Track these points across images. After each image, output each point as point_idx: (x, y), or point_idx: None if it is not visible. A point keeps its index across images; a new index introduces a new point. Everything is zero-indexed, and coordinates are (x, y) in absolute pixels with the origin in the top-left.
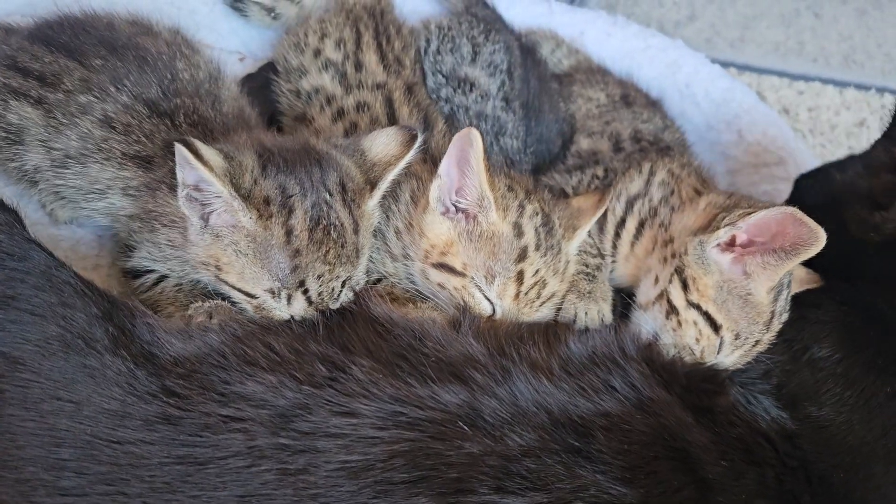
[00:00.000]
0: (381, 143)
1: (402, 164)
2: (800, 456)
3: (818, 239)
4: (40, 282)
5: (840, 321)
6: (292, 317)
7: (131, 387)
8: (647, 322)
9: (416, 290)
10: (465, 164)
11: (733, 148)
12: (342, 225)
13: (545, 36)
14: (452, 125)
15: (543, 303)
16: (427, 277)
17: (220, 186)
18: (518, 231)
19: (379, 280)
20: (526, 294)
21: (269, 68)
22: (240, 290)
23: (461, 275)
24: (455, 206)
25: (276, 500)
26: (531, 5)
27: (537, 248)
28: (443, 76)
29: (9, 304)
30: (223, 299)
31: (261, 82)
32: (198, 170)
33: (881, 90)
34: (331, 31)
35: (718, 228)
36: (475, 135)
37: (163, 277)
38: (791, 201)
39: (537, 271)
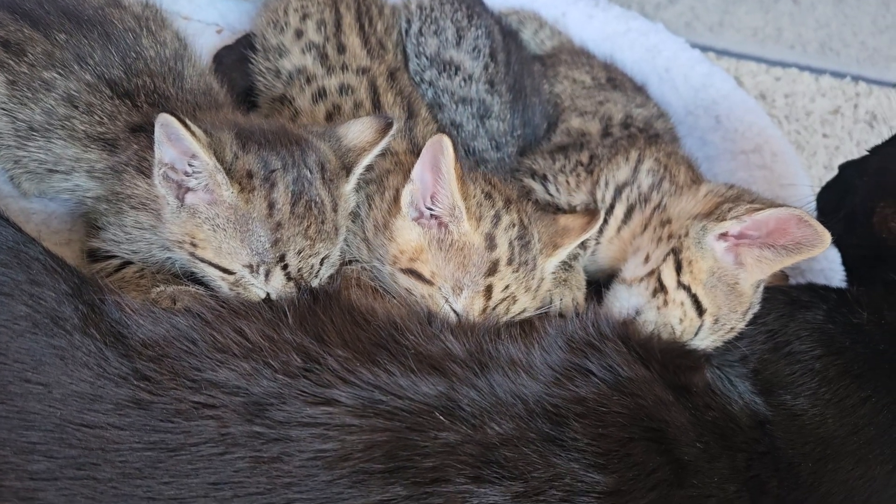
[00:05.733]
0: (357, 131)
1: (377, 150)
2: (770, 442)
3: (823, 242)
4: (7, 258)
5: (823, 326)
6: (268, 296)
7: (101, 368)
8: (629, 297)
9: (385, 288)
10: (437, 170)
11: (711, 133)
12: (322, 202)
13: (528, 17)
14: (435, 110)
15: (512, 319)
16: (395, 281)
17: (206, 158)
18: (490, 243)
19: (350, 262)
20: (493, 309)
21: (246, 41)
22: (216, 266)
23: (429, 283)
24: (429, 211)
25: (249, 487)
26: None
27: (509, 262)
28: (426, 59)
29: None
30: (191, 283)
31: (237, 56)
32: (185, 140)
33: (856, 78)
34: (312, 12)
35: (724, 219)
36: (446, 142)
37: (125, 264)
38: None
39: (507, 287)
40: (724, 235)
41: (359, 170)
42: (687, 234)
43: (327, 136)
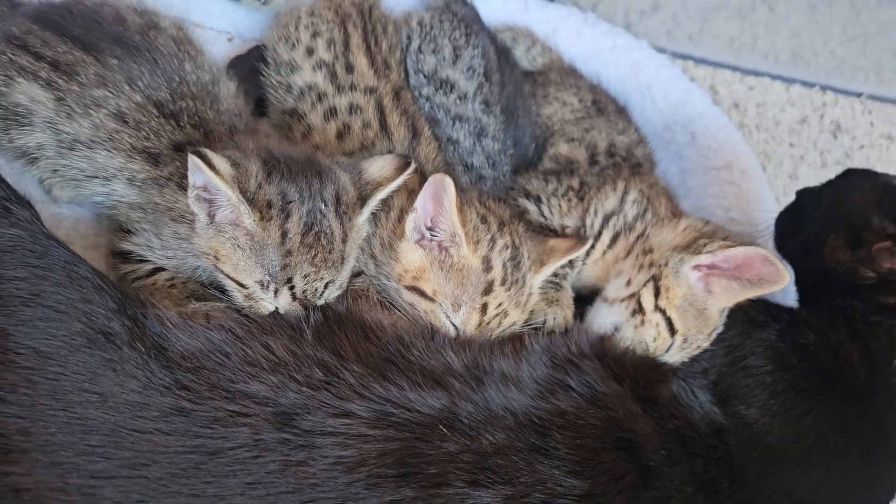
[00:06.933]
0: (378, 166)
1: (392, 186)
2: (724, 448)
3: (782, 280)
4: (61, 278)
5: (775, 344)
6: (276, 310)
7: (148, 379)
8: (610, 314)
9: (391, 301)
10: (439, 202)
11: (686, 149)
12: (332, 233)
13: (521, 34)
14: (433, 124)
15: (503, 331)
16: (400, 296)
17: (228, 192)
18: (487, 265)
19: (358, 274)
20: (488, 324)
21: (257, 52)
22: (233, 279)
23: (431, 300)
24: (430, 233)
25: (280, 487)
26: (508, 1)
27: (503, 282)
28: (424, 76)
29: (35, 302)
30: (216, 291)
31: (249, 67)
32: (209, 177)
33: (824, 88)
34: (322, 30)
35: (700, 253)
36: (448, 182)
37: (156, 270)
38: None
39: (500, 304)
40: (697, 266)
41: (373, 202)
42: (667, 264)
43: (350, 168)
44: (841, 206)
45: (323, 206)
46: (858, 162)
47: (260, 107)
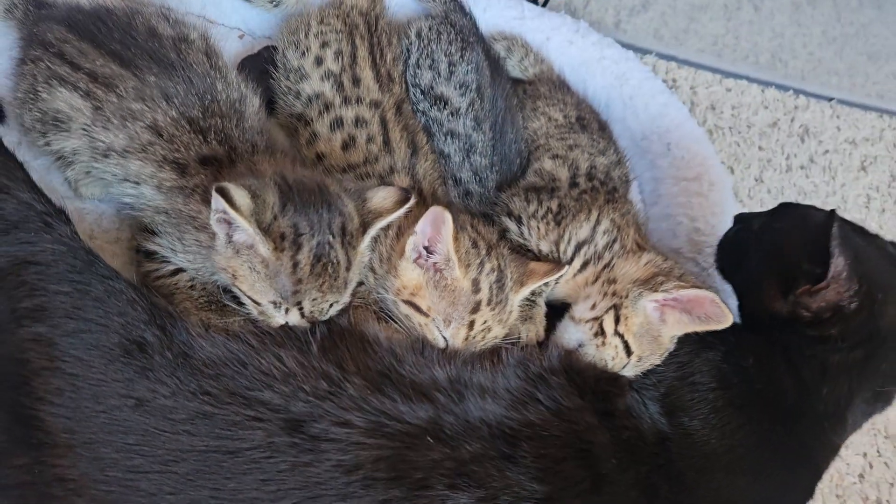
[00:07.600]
0: (381, 197)
1: (391, 218)
2: (667, 456)
3: (726, 321)
4: (100, 293)
5: (720, 365)
6: (286, 323)
7: (177, 386)
8: (575, 332)
9: (388, 311)
10: (437, 230)
11: (661, 158)
12: (338, 263)
13: (516, 44)
14: (429, 138)
15: (486, 344)
16: (397, 308)
17: (247, 226)
18: (476, 287)
19: (359, 284)
20: (473, 338)
21: (268, 53)
22: (249, 297)
23: (425, 315)
24: (426, 252)
25: (289, 483)
26: (506, 9)
27: (489, 303)
28: (421, 91)
29: (78, 315)
30: (233, 300)
31: (260, 69)
32: (228, 211)
33: (798, 92)
34: (331, 40)
35: (657, 290)
36: (448, 216)
37: (178, 271)
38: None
39: (485, 321)
40: (654, 300)
41: (373, 231)
42: (627, 296)
43: (356, 195)
44: (776, 249)
45: (331, 238)
46: (821, 167)
47: (269, 106)
